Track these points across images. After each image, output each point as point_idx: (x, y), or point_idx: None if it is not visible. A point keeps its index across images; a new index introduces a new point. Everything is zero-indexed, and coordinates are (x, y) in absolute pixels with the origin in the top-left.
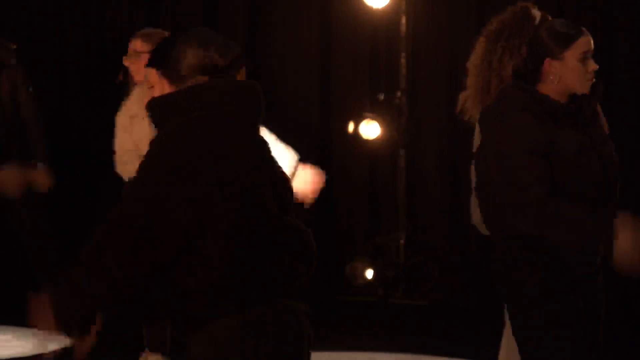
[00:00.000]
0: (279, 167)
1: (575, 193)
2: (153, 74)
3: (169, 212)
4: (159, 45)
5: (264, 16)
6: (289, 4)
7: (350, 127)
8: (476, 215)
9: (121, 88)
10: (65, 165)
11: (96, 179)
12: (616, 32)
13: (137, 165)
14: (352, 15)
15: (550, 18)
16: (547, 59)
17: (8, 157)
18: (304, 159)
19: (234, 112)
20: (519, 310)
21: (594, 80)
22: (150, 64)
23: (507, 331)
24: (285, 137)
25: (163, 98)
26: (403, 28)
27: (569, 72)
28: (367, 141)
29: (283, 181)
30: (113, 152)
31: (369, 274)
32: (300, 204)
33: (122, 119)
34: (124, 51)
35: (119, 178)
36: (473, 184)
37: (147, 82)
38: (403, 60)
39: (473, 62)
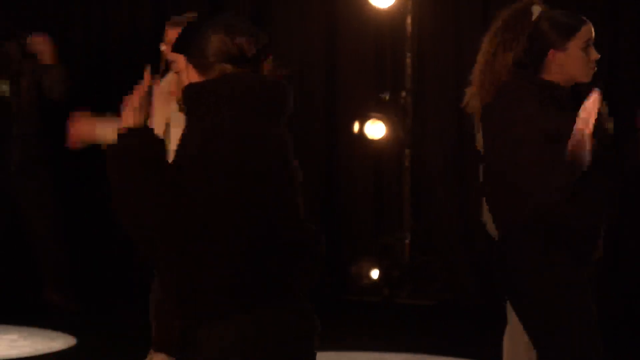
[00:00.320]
0: (297, 166)
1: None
2: (180, 59)
3: (201, 212)
4: (185, 31)
5: (269, 16)
6: (294, 3)
7: (356, 127)
8: (486, 215)
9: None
10: (69, 163)
11: (102, 178)
12: (619, 30)
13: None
14: (358, 15)
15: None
16: (551, 50)
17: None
18: (309, 159)
19: (261, 111)
20: (531, 305)
21: (595, 68)
22: (175, 49)
23: (509, 330)
24: None
25: (198, 86)
26: (408, 28)
27: (572, 62)
28: (372, 141)
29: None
30: None
31: (375, 274)
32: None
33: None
34: (127, 50)
35: None
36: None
37: (173, 68)
38: (408, 60)
39: (478, 57)
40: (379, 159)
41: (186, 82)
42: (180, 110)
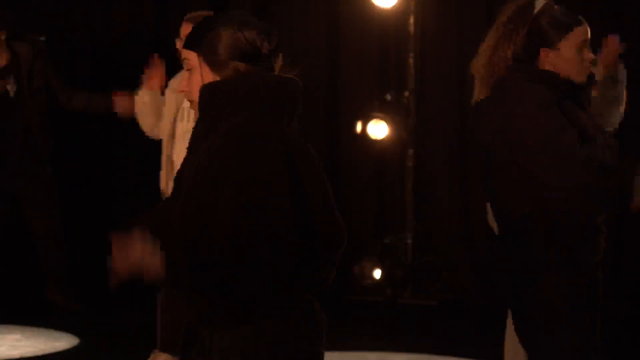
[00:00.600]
0: (318, 166)
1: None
2: (193, 56)
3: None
4: (197, 27)
5: (272, 16)
6: (297, 3)
7: (358, 127)
8: (490, 214)
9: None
10: (73, 164)
11: (105, 178)
12: (624, 27)
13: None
14: (361, 15)
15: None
16: (543, 49)
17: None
18: None
19: (275, 111)
20: (527, 303)
21: (590, 69)
22: (188, 46)
23: (510, 329)
24: None
25: (214, 87)
26: (411, 28)
27: (564, 62)
28: (375, 141)
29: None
30: None
31: (377, 274)
32: None
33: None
34: (129, 49)
35: (127, 177)
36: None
37: (185, 65)
38: (411, 60)
39: (479, 50)
40: (382, 159)
41: (199, 80)
42: (192, 107)
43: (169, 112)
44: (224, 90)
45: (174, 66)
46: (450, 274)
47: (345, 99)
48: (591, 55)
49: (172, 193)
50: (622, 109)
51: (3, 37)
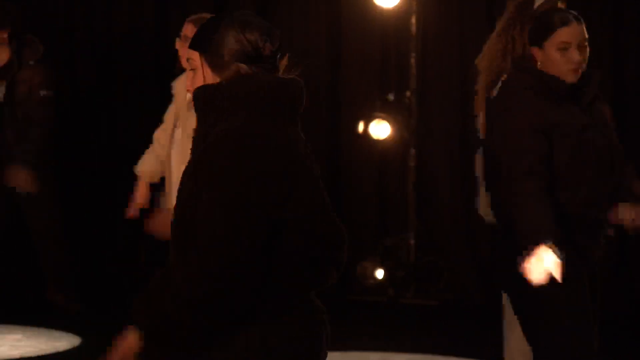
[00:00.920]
0: (316, 168)
1: (579, 168)
2: (196, 56)
3: (248, 217)
4: (202, 28)
5: (273, 16)
6: (298, 3)
7: (360, 127)
8: (482, 205)
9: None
10: (75, 164)
11: (107, 178)
12: (624, 27)
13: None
14: (362, 15)
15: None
16: (533, 47)
17: (15, 157)
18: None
19: (276, 112)
20: (528, 299)
21: (579, 70)
22: (192, 46)
23: (506, 325)
24: None
25: (210, 89)
26: (413, 28)
27: (548, 62)
28: (377, 141)
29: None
30: None
31: (379, 274)
32: None
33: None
34: (130, 49)
35: (128, 177)
36: (478, 172)
37: (189, 64)
38: (413, 60)
39: (488, 43)
40: (384, 159)
41: (201, 80)
42: (189, 109)
43: (169, 117)
44: (223, 91)
45: (174, 66)
46: (452, 274)
47: (347, 99)
48: (577, 57)
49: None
50: None
51: (5, 36)
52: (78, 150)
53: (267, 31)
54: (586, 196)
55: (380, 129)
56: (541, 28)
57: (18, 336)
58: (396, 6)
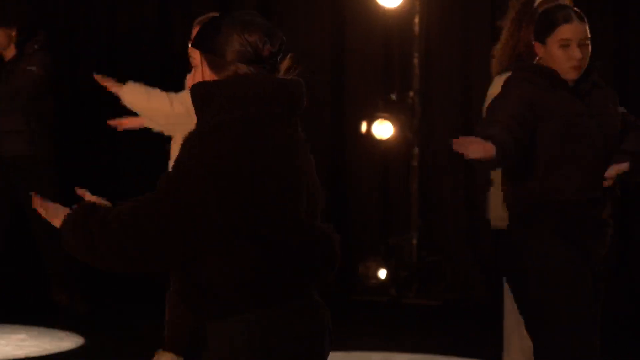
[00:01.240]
0: (312, 169)
1: (564, 154)
2: (197, 54)
3: (200, 215)
4: (205, 27)
5: (276, 16)
6: (302, 3)
7: (363, 127)
8: (491, 210)
9: None
10: (77, 163)
11: (109, 177)
12: (627, 26)
13: None
14: (365, 15)
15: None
16: (536, 43)
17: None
18: (316, 159)
19: (273, 112)
20: (531, 293)
21: (580, 68)
22: (194, 45)
23: (505, 321)
24: None
25: (206, 86)
26: (416, 28)
27: (550, 58)
28: (380, 141)
29: (313, 184)
30: None
31: (382, 273)
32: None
33: None
34: (133, 47)
35: (132, 175)
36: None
37: (191, 62)
38: (416, 60)
39: (501, 37)
40: (387, 159)
41: (200, 78)
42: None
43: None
44: (220, 89)
45: (176, 65)
46: (454, 273)
47: (350, 99)
48: (577, 54)
49: None
50: None
51: (14, 34)
52: (80, 149)
53: (268, 32)
54: (580, 182)
55: (383, 129)
56: (544, 24)
57: (22, 336)
58: (399, 6)
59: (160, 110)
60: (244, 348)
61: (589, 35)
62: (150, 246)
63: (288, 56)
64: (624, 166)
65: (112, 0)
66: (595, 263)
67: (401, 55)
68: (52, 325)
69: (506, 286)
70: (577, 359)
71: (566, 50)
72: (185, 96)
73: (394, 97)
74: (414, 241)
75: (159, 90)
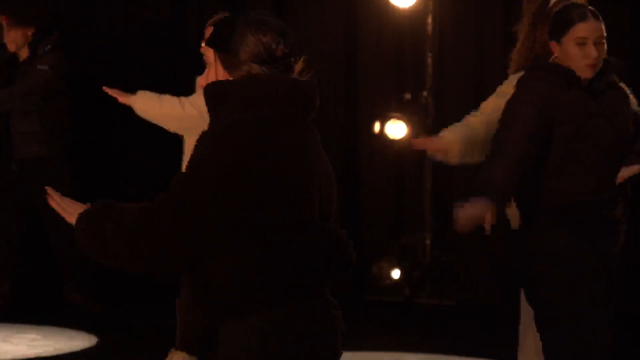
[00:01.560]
0: (328, 170)
1: (577, 156)
2: (210, 53)
3: (213, 215)
4: (219, 27)
5: (290, 16)
6: (315, 3)
7: (377, 127)
8: (511, 210)
9: None
10: (91, 162)
11: (123, 176)
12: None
13: None
14: (378, 15)
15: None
16: (552, 42)
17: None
18: (330, 159)
19: (286, 112)
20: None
21: (595, 66)
22: (209, 44)
23: (521, 324)
24: None
25: (220, 85)
26: (429, 28)
27: (566, 56)
28: (393, 141)
29: (327, 185)
30: None
31: (396, 274)
32: None
33: None
34: (148, 44)
35: (146, 175)
36: None
37: (205, 60)
38: (429, 60)
39: (519, 37)
40: (400, 159)
41: (213, 77)
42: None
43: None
44: (233, 89)
45: (190, 65)
46: (468, 273)
47: (363, 99)
48: (593, 52)
49: None
50: None
51: (30, 34)
52: (94, 148)
53: (281, 32)
54: (593, 183)
55: (396, 129)
56: (560, 23)
57: (35, 335)
58: (412, 6)
59: (173, 115)
60: (256, 348)
61: (605, 34)
62: (163, 246)
63: (302, 58)
64: (636, 168)
65: None
66: (608, 262)
67: (414, 55)
68: (64, 325)
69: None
70: (587, 359)
71: (582, 48)
72: (196, 99)
73: (407, 97)
74: (427, 241)
75: (169, 95)
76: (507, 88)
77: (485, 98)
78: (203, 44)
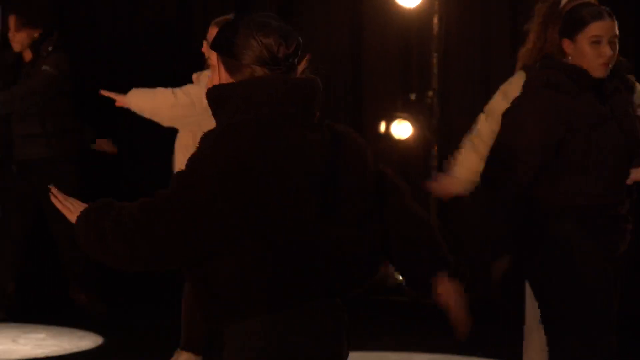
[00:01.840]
0: (352, 170)
1: (588, 159)
2: (214, 56)
3: (210, 214)
4: (223, 30)
5: (295, 16)
6: (321, 3)
7: (382, 127)
8: None
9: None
10: (96, 162)
11: (130, 177)
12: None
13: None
14: (384, 15)
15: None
16: (565, 39)
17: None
18: None
19: (287, 112)
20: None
21: (609, 65)
22: (212, 47)
23: (525, 328)
24: None
25: (220, 89)
26: (435, 27)
27: (580, 55)
28: (399, 141)
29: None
30: None
31: None
32: None
33: None
34: (154, 43)
35: (151, 175)
36: None
37: (209, 63)
38: (435, 60)
39: (527, 38)
40: (406, 159)
41: (217, 80)
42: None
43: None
44: (235, 91)
45: (197, 64)
46: (472, 274)
47: (369, 99)
48: (608, 51)
49: None
50: None
51: (36, 35)
52: (101, 152)
53: (284, 34)
54: (603, 186)
55: (402, 129)
56: (574, 21)
57: (42, 335)
58: (418, 6)
59: (165, 103)
60: (261, 349)
61: (618, 33)
62: (160, 243)
63: (305, 57)
64: None
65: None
66: (615, 260)
67: (420, 55)
68: (71, 325)
69: (527, 285)
70: (591, 358)
71: (597, 47)
72: (189, 88)
73: (413, 97)
74: None
75: (162, 88)
76: (509, 87)
77: (490, 98)
78: (205, 45)
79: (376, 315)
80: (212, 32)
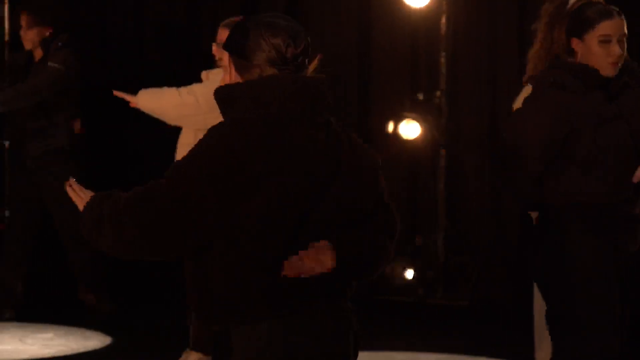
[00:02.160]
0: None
1: (596, 158)
2: (226, 56)
3: (198, 205)
4: (234, 31)
5: (303, 16)
6: (329, 3)
7: (390, 127)
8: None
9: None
10: (104, 162)
11: (137, 176)
12: None
13: None
14: (392, 15)
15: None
16: (573, 39)
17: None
18: None
19: (292, 111)
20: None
21: (618, 64)
22: (224, 47)
23: (536, 326)
24: None
25: (229, 89)
26: (443, 28)
27: (589, 54)
28: (407, 141)
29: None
30: None
31: (409, 274)
32: None
33: None
34: (162, 42)
35: (158, 174)
36: None
37: (220, 63)
38: (443, 60)
39: (535, 39)
40: (414, 159)
41: (228, 80)
42: None
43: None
44: (242, 91)
45: (205, 65)
46: (482, 274)
47: (377, 99)
48: (618, 51)
49: None
50: None
51: (47, 34)
52: (107, 149)
53: (292, 34)
54: (612, 185)
55: (410, 129)
56: (583, 20)
57: (49, 335)
58: (426, 6)
59: (171, 102)
60: (268, 350)
61: (626, 32)
62: (147, 229)
63: (316, 58)
64: None
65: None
66: (626, 259)
67: (428, 55)
68: (79, 325)
69: (536, 285)
70: (592, 358)
71: (606, 46)
72: (194, 87)
73: (421, 97)
74: (441, 241)
75: (168, 87)
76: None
77: (498, 98)
78: (214, 46)
79: (382, 315)
80: (221, 33)
